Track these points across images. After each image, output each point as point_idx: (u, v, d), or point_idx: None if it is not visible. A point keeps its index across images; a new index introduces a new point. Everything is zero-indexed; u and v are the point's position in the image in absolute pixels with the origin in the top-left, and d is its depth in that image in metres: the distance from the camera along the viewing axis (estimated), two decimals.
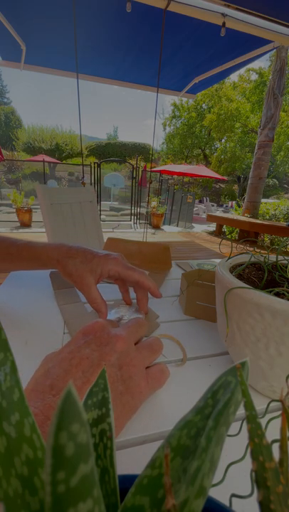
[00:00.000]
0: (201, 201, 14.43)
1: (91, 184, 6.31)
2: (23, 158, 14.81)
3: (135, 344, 0.30)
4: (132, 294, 0.53)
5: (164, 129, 20.25)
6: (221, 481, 0.14)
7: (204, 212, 10.87)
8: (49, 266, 0.47)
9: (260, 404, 0.33)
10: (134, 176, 7.16)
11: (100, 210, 6.06)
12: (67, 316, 0.48)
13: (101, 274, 0.43)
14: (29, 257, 0.49)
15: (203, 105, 17.87)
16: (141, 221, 7.37)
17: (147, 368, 0.30)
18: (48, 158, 12.34)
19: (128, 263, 0.45)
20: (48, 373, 0.24)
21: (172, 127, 19.85)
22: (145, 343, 0.31)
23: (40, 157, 12.02)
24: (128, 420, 0.27)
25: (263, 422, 0.11)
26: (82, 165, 3.69)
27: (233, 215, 6.68)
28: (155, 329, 0.46)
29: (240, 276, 0.36)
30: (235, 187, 20.26)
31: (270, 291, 0.31)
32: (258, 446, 0.09)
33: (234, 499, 0.13)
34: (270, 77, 5.65)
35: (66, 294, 0.55)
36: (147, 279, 0.44)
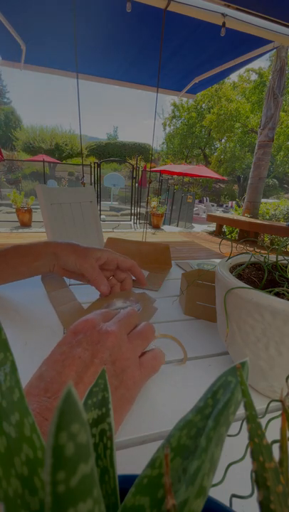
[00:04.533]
0: (201, 201, 14.43)
1: (91, 184, 6.30)
2: (23, 158, 14.82)
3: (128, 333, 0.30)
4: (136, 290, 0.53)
5: (164, 129, 20.25)
6: (221, 481, 0.14)
7: (204, 212, 10.87)
8: (43, 259, 0.47)
9: (260, 404, 0.33)
10: (134, 176, 7.16)
11: (100, 210, 6.05)
12: (63, 317, 0.47)
13: (100, 258, 0.47)
14: (18, 254, 0.47)
15: (203, 105, 17.87)
16: (141, 221, 7.37)
17: (142, 355, 0.30)
18: (48, 158, 12.34)
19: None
20: (41, 376, 0.24)
21: (172, 127, 19.86)
22: (136, 331, 0.31)
23: (40, 157, 12.02)
24: (127, 412, 0.27)
25: (263, 422, 0.11)
26: (82, 165, 3.69)
27: (233, 215, 6.68)
28: (153, 314, 0.46)
29: (240, 276, 0.36)
30: (235, 187, 20.26)
31: (270, 291, 0.31)
32: (258, 446, 0.09)
33: (234, 499, 0.13)
34: (270, 77, 5.65)
35: (61, 294, 0.54)
36: (137, 267, 0.50)
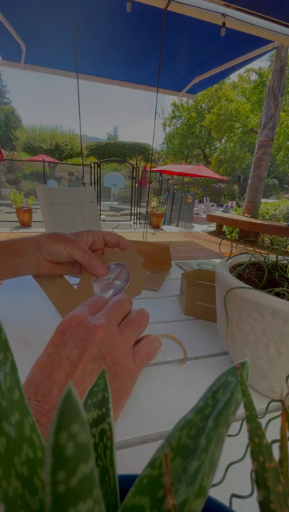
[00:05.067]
0: (201, 201, 14.43)
1: (91, 184, 6.30)
2: (23, 158, 14.82)
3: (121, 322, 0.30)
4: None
5: (164, 129, 20.26)
6: (221, 481, 0.14)
7: (204, 212, 10.87)
8: (24, 255, 0.42)
9: (260, 404, 0.33)
10: (134, 175, 7.16)
11: (100, 210, 6.05)
12: (56, 302, 0.44)
13: (88, 239, 0.44)
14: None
15: (203, 105, 17.88)
16: (141, 221, 7.37)
17: (136, 343, 0.29)
18: (48, 158, 12.34)
19: None
20: (31, 381, 0.24)
21: (172, 127, 19.86)
22: (127, 320, 0.29)
23: (40, 157, 12.02)
24: (123, 405, 0.27)
25: (263, 422, 0.11)
26: (82, 165, 3.69)
27: (233, 215, 6.68)
28: (144, 280, 0.43)
29: (240, 276, 0.36)
30: (235, 187, 20.26)
31: (270, 291, 0.31)
32: (258, 446, 0.09)
33: (234, 499, 0.13)
34: (270, 77, 5.65)
35: (54, 281, 0.47)
36: (124, 239, 0.47)
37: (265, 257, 0.39)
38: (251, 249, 0.44)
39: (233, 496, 0.13)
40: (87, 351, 0.25)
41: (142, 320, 0.30)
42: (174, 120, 19.50)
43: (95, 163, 6.68)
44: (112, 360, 0.26)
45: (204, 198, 14.94)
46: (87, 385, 0.23)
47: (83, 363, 0.24)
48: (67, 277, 0.52)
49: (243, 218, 5.57)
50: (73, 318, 0.27)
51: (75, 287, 0.44)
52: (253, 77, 16.04)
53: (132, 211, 7.43)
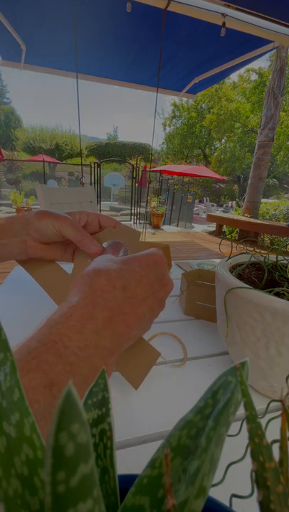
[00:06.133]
0: (201, 201, 14.44)
1: (91, 184, 6.30)
2: (23, 158, 14.82)
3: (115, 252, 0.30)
4: None
5: (164, 129, 20.26)
6: (221, 481, 0.14)
7: (204, 212, 10.88)
8: (8, 236, 0.37)
9: (260, 404, 0.33)
10: (134, 176, 7.16)
11: (100, 210, 6.04)
12: (51, 292, 0.39)
13: (80, 219, 0.39)
14: None
15: (203, 105, 17.88)
16: (141, 221, 7.37)
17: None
18: (48, 158, 12.34)
19: None
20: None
21: (172, 127, 19.87)
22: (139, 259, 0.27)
23: (40, 157, 12.03)
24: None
25: (263, 422, 0.11)
26: (82, 165, 3.69)
27: (233, 215, 6.68)
28: (139, 241, 0.40)
29: (240, 276, 0.36)
30: (235, 187, 20.26)
31: (270, 291, 0.31)
32: (258, 446, 0.09)
33: (234, 499, 0.13)
34: (270, 77, 5.65)
35: (44, 267, 0.42)
36: (121, 224, 0.42)
37: (265, 257, 0.39)
38: (251, 249, 0.44)
39: (233, 495, 0.13)
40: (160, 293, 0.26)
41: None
42: (174, 120, 19.51)
43: (95, 163, 6.68)
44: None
45: (204, 198, 14.95)
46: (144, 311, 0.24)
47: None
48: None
49: (243, 218, 5.57)
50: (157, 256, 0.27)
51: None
52: (253, 77, 16.08)
53: (132, 211, 7.43)
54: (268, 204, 6.65)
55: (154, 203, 7.18)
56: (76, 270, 0.39)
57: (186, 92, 3.96)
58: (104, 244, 0.39)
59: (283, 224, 4.87)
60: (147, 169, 8.85)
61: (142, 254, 0.27)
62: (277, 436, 0.09)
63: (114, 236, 0.39)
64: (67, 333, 0.19)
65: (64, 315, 0.20)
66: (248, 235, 5.53)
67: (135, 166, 7.21)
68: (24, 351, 0.18)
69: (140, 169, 8.08)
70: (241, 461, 0.14)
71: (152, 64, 3.18)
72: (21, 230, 0.37)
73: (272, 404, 0.32)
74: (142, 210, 7.72)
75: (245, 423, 0.09)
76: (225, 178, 13.59)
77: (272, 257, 0.39)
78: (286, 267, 0.37)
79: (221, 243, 4.91)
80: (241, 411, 0.28)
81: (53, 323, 0.20)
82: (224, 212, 12.01)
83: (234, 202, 12.74)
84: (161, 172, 9.22)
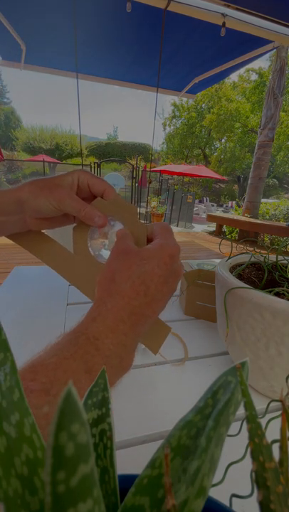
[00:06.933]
0: (201, 201, 14.44)
1: None
2: (23, 158, 14.82)
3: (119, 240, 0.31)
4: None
5: (164, 129, 20.26)
6: (221, 481, 0.14)
7: (204, 212, 10.87)
8: (8, 212, 0.34)
9: (260, 404, 0.33)
10: (134, 176, 7.16)
11: None
12: (61, 271, 0.37)
13: (72, 183, 0.36)
14: None
15: (203, 105, 17.89)
16: (141, 221, 7.36)
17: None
18: (48, 158, 12.34)
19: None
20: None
21: (172, 127, 19.87)
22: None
23: (40, 157, 12.03)
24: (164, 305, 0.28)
25: (263, 422, 0.11)
26: (82, 165, 3.69)
27: (233, 215, 6.68)
28: (138, 219, 0.38)
29: (240, 276, 0.36)
30: (235, 187, 20.27)
31: (270, 291, 0.31)
32: (258, 446, 0.09)
33: (234, 499, 0.13)
34: (270, 77, 5.66)
35: (44, 246, 0.39)
36: (112, 189, 0.38)
37: (265, 257, 0.39)
38: (251, 249, 0.44)
39: (233, 495, 0.13)
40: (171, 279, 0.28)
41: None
42: (174, 120, 19.52)
43: (95, 163, 6.68)
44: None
45: (204, 198, 14.95)
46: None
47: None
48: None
49: (243, 218, 5.57)
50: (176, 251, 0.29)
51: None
52: (253, 77, 16.07)
53: None
54: (268, 204, 6.65)
55: (154, 203, 7.19)
56: (77, 244, 0.37)
57: (186, 92, 3.95)
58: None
59: (283, 224, 4.87)
60: (147, 169, 8.85)
61: (158, 247, 0.28)
62: (277, 436, 0.09)
63: (109, 210, 0.36)
64: (105, 331, 0.24)
65: (100, 315, 0.25)
66: (248, 235, 5.53)
67: (135, 166, 7.22)
68: (72, 340, 0.24)
69: (140, 169, 8.08)
70: (241, 461, 0.14)
71: (152, 64, 3.18)
72: (17, 209, 0.34)
73: (272, 404, 0.32)
74: (142, 210, 7.72)
75: (245, 423, 0.09)
76: (225, 178, 13.60)
77: (272, 257, 0.39)
78: (286, 267, 0.37)
79: (221, 243, 4.91)
80: (241, 411, 0.28)
81: (90, 320, 0.25)
82: (224, 212, 12.01)
83: (234, 202, 12.75)
84: (161, 172, 9.22)
